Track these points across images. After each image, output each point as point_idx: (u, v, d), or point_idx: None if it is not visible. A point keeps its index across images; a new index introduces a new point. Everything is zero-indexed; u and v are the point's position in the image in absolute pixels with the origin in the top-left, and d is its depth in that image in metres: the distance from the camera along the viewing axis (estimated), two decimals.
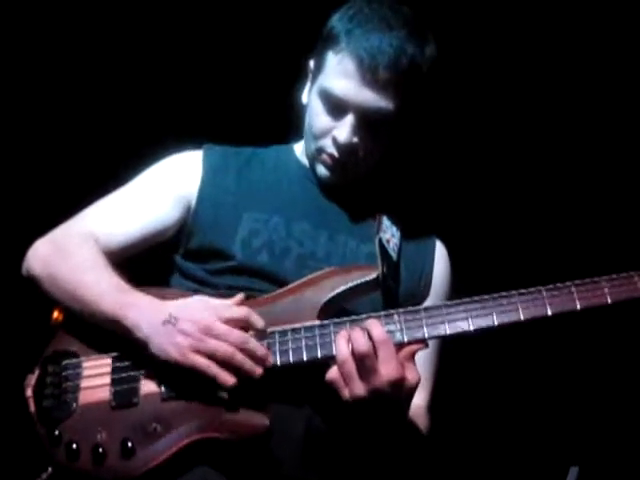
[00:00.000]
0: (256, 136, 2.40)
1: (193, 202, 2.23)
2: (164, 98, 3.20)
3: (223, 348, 1.88)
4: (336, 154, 2.18)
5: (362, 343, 1.86)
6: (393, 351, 1.87)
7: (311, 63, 2.27)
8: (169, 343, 1.89)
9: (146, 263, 2.23)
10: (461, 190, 3.30)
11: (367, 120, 2.14)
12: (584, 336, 2.93)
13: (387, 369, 1.85)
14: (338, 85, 2.12)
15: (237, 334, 1.90)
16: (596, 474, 2.85)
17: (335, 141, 2.16)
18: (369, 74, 2.08)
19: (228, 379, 1.88)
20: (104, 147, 3.17)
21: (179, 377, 1.92)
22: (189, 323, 1.90)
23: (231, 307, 1.96)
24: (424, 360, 2.13)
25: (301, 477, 2.00)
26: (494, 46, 3.20)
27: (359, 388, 1.86)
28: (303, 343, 1.94)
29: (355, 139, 2.15)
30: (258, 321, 1.94)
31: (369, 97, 2.11)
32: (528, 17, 3.17)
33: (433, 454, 2.19)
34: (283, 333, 1.95)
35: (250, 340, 1.91)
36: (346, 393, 1.87)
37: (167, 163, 2.30)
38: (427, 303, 2.23)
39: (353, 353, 1.86)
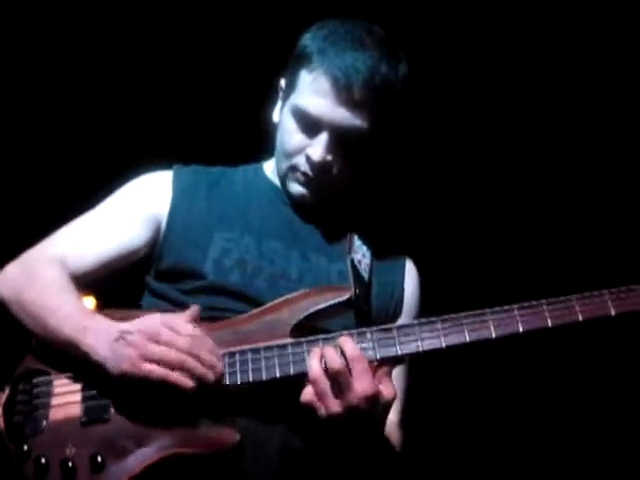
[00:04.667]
0: (225, 155, 2.40)
1: (163, 222, 2.23)
2: (133, 118, 3.21)
3: (171, 354, 1.89)
4: (310, 172, 2.19)
5: (335, 360, 1.87)
6: (367, 367, 1.88)
7: (282, 82, 2.28)
8: (121, 357, 1.90)
9: (117, 284, 2.22)
10: (430, 208, 3.32)
11: (341, 138, 2.15)
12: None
13: (362, 385, 1.86)
14: (312, 103, 2.14)
15: (183, 339, 1.90)
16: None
17: (309, 159, 2.17)
18: (344, 93, 2.10)
19: (186, 382, 1.88)
20: (73, 169, 3.17)
21: (147, 393, 1.92)
22: (137, 334, 1.91)
23: (179, 317, 1.96)
24: (394, 376, 2.12)
25: None
26: (478, 59, 3.23)
27: (334, 405, 1.86)
28: (263, 363, 1.94)
29: (329, 157, 2.16)
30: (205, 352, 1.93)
31: (344, 115, 2.12)
32: (522, 22, 3.20)
33: (404, 470, 2.19)
34: (243, 352, 1.96)
35: (197, 346, 1.91)
36: (322, 411, 1.88)
37: (137, 184, 2.29)
38: (399, 321, 2.25)
39: (326, 370, 1.87)
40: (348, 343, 1.90)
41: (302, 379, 1.93)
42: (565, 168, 3.34)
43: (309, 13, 2.28)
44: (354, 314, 2.10)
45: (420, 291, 2.35)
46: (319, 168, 2.17)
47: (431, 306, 2.28)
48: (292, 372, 1.94)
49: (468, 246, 3.28)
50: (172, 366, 1.88)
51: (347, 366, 1.86)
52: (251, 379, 1.94)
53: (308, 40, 2.19)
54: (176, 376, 1.88)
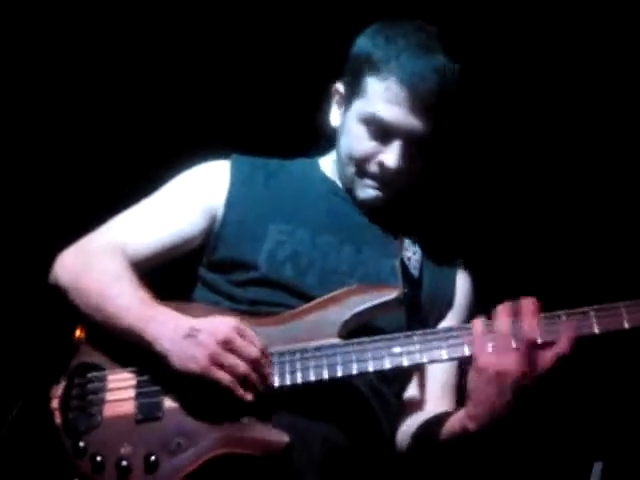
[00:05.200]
0: (281, 149, 2.42)
1: (219, 212, 2.24)
2: (192, 109, 3.21)
3: (241, 366, 1.92)
4: (383, 178, 2.21)
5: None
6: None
7: (339, 86, 2.29)
8: (189, 356, 1.93)
9: (170, 275, 2.25)
10: (485, 211, 3.29)
11: (413, 143, 2.17)
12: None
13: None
14: (387, 111, 2.15)
15: (254, 351, 1.94)
16: (620, 469, 2.87)
17: (383, 166, 2.19)
18: (418, 100, 2.12)
19: (246, 395, 1.92)
20: (131, 157, 3.17)
21: (201, 391, 1.96)
22: (207, 335, 1.93)
23: (255, 337, 1.98)
24: (450, 371, 2.21)
25: None
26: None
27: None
28: (312, 363, 1.97)
29: (402, 163, 2.18)
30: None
31: (418, 123, 2.15)
32: (526, 24, 3.12)
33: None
34: (292, 353, 1.99)
35: (263, 357, 1.94)
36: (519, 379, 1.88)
37: (194, 173, 2.31)
38: (449, 319, 2.27)
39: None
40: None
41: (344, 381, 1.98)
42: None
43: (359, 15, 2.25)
44: (405, 312, 2.12)
45: (472, 295, 2.35)
46: (393, 174, 2.19)
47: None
48: (355, 371, 1.96)
49: (520, 246, 3.26)
50: (238, 376, 1.92)
51: None
52: (299, 381, 1.97)
53: (369, 46, 2.20)
54: (238, 387, 1.92)
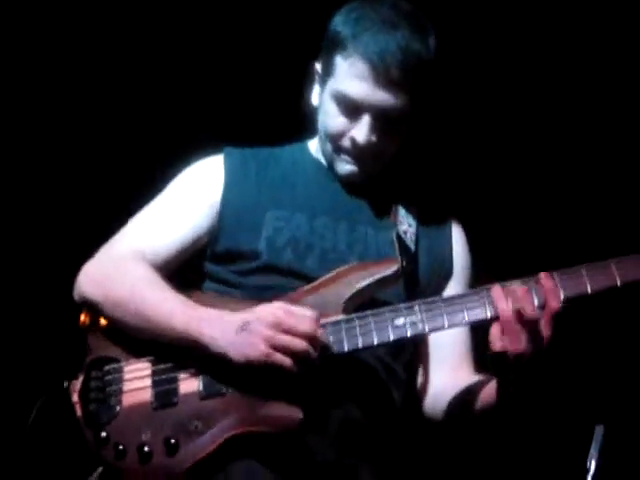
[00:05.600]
0: (269, 135, 2.47)
1: (218, 206, 2.30)
2: (178, 101, 3.26)
3: (297, 343, 1.97)
4: (355, 153, 2.26)
5: (530, 304, 1.96)
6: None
7: (317, 66, 2.34)
8: (247, 347, 1.98)
9: (178, 274, 2.30)
10: (474, 172, 3.35)
11: (383, 118, 2.21)
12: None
13: (549, 330, 1.97)
14: (352, 88, 2.19)
15: (306, 325, 1.98)
16: (623, 432, 2.92)
17: (354, 141, 2.24)
18: (381, 76, 2.16)
19: (304, 370, 1.98)
20: (119, 161, 3.22)
21: (218, 375, 2.04)
22: (259, 324, 1.99)
23: (302, 310, 2.04)
24: (464, 336, 2.30)
25: (338, 463, 2.10)
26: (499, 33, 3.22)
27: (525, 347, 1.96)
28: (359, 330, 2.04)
29: (373, 137, 2.22)
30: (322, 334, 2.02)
31: (383, 97, 2.18)
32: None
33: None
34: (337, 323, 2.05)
35: (317, 329, 1.99)
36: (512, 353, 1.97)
37: (192, 172, 2.36)
38: (450, 285, 2.35)
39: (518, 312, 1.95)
40: (551, 287, 1.99)
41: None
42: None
43: None
44: (403, 285, 2.20)
45: (469, 254, 2.42)
46: (365, 149, 2.24)
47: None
48: (360, 344, 2.03)
49: (513, 207, 3.31)
50: (297, 354, 1.97)
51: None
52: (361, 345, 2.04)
53: (340, 25, 2.24)
54: (300, 366, 1.97)
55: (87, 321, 2.20)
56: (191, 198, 2.31)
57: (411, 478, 2.26)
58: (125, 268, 2.17)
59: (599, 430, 2.92)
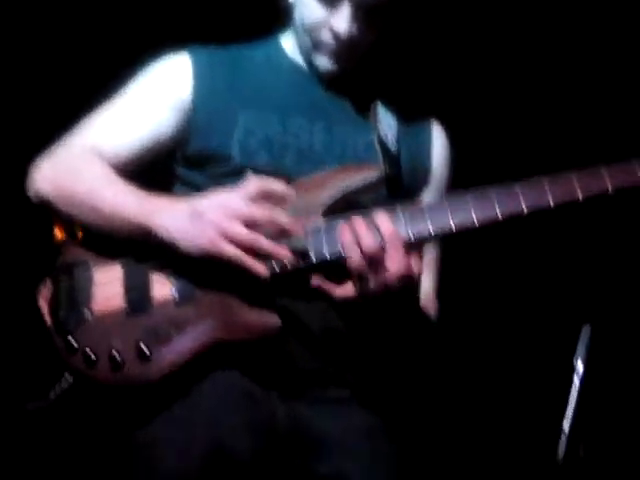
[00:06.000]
0: (236, 31, 2.34)
1: (187, 106, 2.18)
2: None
3: (245, 232, 1.88)
4: (337, 46, 2.13)
5: (368, 238, 1.87)
6: (400, 245, 1.89)
7: None
8: (199, 236, 1.90)
9: (147, 176, 2.20)
10: (457, 69, 3.25)
11: (363, 7, 2.08)
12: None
13: (396, 264, 1.87)
14: None
15: (262, 212, 1.90)
16: (609, 332, 2.90)
17: (334, 33, 2.11)
18: None
19: (261, 270, 1.89)
20: (85, 55, 3.09)
21: (192, 279, 1.97)
22: (215, 211, 1.90)
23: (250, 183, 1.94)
24: (426, 245, 2.16)
25: (322, 370, 2.05)
26: None
27: (367, 283, 1.88)
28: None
29: (354, 28, 2.10)
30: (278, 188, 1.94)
31: None
32: None
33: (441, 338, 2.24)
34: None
35: (277, 215, 1.90)
36: (357, 289, 1.90)
37: (155, 69, 2.23)
38: (430, 187, 2.26)
39: (360, 248, 1.88)
40: (384, 221, 1.91)
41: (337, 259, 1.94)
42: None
43: None
44: (385, 190, 2.09)
45: (449, 155, 2.32)
46: (346, 41, 2.11)
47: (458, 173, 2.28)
48: (328, 255, 1.95)
49: (496, 108, 3.22)
50: (249, 247, 1.88)
51: (382, 245, 1.87)
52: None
53: None
54: (253, 262, 1.88)
55: (62, 236, 2.12)
56: (156, 95, 2.19)
57: (397, 389, 2.19)
58: (81, 166, 2.08)
59: (586, 330, 2.91)
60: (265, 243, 1.89)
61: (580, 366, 2.84)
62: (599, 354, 2.84)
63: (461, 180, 2.19)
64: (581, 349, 2.89)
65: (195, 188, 2.14)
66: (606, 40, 3.21)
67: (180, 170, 2.22)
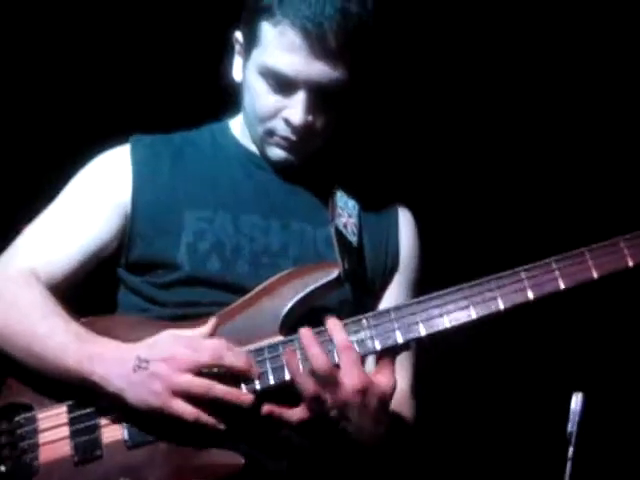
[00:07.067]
0: (184, 117, 2.18)
1: (128, 207, 2.01)
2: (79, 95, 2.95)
3: (196, 383, 1.75)
4: (291, 136, 1.97)
5: (321, 361, 1.73)
6: (355, 358, 1.75)
7: (238, 35, 2.02)
8: (146, 392, 1.76)
9: (91, 280, 2.05)
10: (421, 156, 3.12)
11: (320, 94, 1.92)
12: None
13: (351, 379, 1.73)
14: (284, 61, 1.89)
15: (210, 357, 1.76)
16: (600, 400, 2.80)
17: (288, 122, 1.94)
18: (318, 44, 1.86)
19: (217, 424, 1.76)
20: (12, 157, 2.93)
21: (143, 421, 1.80)
22: (160, 364, 1.76)
23: (203, 340, 1.82)
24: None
25: None
26: None
27: (323, 403, 1.74)
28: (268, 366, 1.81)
29: (310, 117, 1.94)
30: (233, 357, 1.79)
31: (321, 69, 1.89)
32: None
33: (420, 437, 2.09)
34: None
35: (225, 355, 1.77)
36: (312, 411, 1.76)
37: (92, 169, 2.07)
38: (398, 275, 2.10)
39: (313, 373, 1.73)
40: (338, 331, 1.76)
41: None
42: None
43: None
44: (349, 287, 1.92)
45: (418, 241, 2.16)
46: (301, 130, 1.95)
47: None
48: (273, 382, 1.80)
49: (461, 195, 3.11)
50: (201, 398, 1.75)
51: (332, 362, 1.73)
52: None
53: None
54: (207, 417, 1.76)
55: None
56: (93, 199, 2.02)
57: None
58: (13, 294, 1.92)
59: (578, 397, 2.81)
60: (218, 390, 1.75)
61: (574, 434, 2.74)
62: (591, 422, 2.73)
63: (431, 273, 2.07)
64: (573, 417, 2.79)
65: (141, 296, 1.99)
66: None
67: (124, 274, 2.04)
